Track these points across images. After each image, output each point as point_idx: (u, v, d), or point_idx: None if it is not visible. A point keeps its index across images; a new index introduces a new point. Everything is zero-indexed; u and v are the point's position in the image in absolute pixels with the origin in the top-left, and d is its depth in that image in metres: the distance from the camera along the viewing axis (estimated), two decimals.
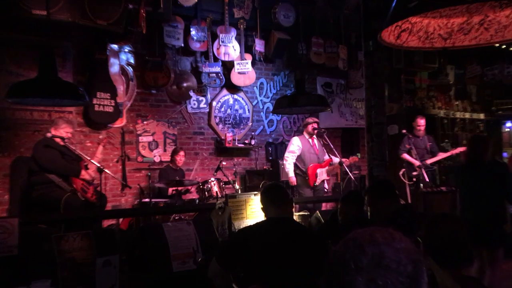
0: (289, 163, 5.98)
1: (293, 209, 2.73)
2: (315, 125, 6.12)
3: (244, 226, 3.64)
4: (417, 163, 6.36)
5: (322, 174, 6.08)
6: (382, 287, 0.79)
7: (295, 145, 6.02)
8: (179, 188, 5.77)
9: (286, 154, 6.06)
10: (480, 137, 5.66)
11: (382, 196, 3.06)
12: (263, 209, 2.59)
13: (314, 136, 6.14)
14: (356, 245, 0.84)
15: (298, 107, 4.38)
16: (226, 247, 2.46)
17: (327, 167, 6.11)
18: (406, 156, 6.53)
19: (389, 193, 3.06)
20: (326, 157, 6.18)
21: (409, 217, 2.89)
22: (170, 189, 5.77)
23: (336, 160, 6.11)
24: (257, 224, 2.58)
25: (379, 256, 0.81)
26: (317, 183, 6.04)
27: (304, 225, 2.75)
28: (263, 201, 2.56)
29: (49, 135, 4.76)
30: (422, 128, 6.72)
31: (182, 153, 6.15)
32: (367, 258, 0.81)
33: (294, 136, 6.42)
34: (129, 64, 6.32)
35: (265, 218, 2.61)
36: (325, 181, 7.12)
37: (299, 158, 6.03)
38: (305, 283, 2.28)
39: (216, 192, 5.53)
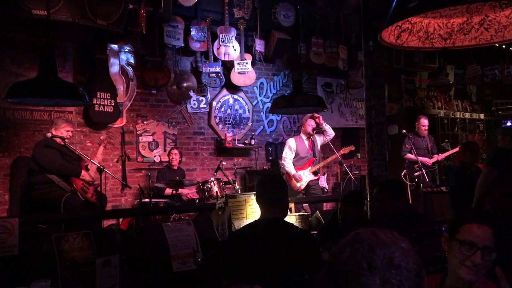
0: (287, 163, 5.98)
1: (288, 208, 2.67)
2: (314, 125, 6.09)
3: (243, 226, 3.64)
4: (425, 160, 6.39)
5: (305, 175, 6.01)
6: (396, 286, 0.81)
7: (290, 147, 6.02)
8: (179, 191, 5.78)
9: (283, 155, 6.07)
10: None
11: (349, 202, 3.38)
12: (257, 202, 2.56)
13: (312, 136, 6.11)
14: (365, 246, 0.85)
15: (295, 108, 4.38)
16: (227, 259, 2.40)
17: (310, 167, 6.05)
18: (410, 156, 6.53)
19: (355, 201, 3.40)
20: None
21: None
22: (169, 190, 5.79)
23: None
24: (249, 225, 2.56)
25: (390, 256, 0.83)
26: (302, 188, 5.97)
27: (295, 226, 2.72)
28: (256, 199, 2.54)
29: (49, 135, 4.75)
30: (426, 128, 6.75)
31: (174, 151, 6.14)
32: (379, 259, 0.83)
33: (291, 136, 6.44)
34: (129, 64, 6.32)
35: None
36: (325, 181, 7.10)
37: (294, 159, 6.02)
38: (296, 284, 2.28)
39: (216, 192, 5.53)
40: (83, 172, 4.87)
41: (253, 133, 7.26)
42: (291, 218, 4.20)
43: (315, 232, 3.75)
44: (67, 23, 4.82)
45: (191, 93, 6.76)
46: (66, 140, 4.85)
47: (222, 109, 7.12)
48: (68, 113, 5.83)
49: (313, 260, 2.34)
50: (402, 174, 6.58)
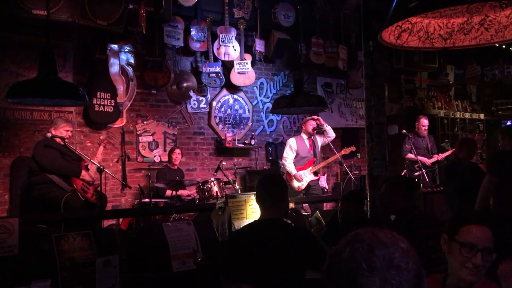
0: (288, 163, 5.99)
1: (287, 208, 2.67)
2: (315, 125, 6.10)
3: (243, 226, 3.64)
4: (425, 160, 6.41)
5: (306, 176, 6.00)
6: (396, 286, 0.81)
7: (291, 146, 6.03)
8: (179, 192, 5.78)
9: (284, 155, 6.08)
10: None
11: (349, 201, 3.36)
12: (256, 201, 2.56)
13: (312, 136, 6.11)
14: (364, 246, 0.85)
15: (297, 107, 4.38)
16: (227, 259, 2.40)
17: (310, 167, 6.04)
18: (410, 155, 6.54)
19: (355, 200, 3.39)
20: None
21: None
22: (168, 191, 5.78)
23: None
24: (248, 225, 2.56)
25: (389, 257, 0.84)
26: (302, 188, 5.97)
27: (295, 225, 2.72)
28: (256, 199, 2.54)
29: (49, 135, 4.75)
30: (426, 128, 6.77)
31: (177, 151, 6.15)
32: (379, 259, 0.83)
33: (291, 136, 6.45)
34: (129, 64, 6.32)
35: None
36: (325, 181, 7.10)
37: (295, 160, 6.02)
38: (296, 284, 2.28)
39: (216, 192, 5.53)
40: (83, 172, 4.87)
41: (253, 133, 7.26)
42: None
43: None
44: (67, 23, 4.82)
45: (191, 93, 6.76)
46: (66, 140, 4.85)
47: (222, 109, 7.12)
48: (68, 113, 5.83)
49: (316, 256, 2.33)
50: (402, 174, 6.58)
